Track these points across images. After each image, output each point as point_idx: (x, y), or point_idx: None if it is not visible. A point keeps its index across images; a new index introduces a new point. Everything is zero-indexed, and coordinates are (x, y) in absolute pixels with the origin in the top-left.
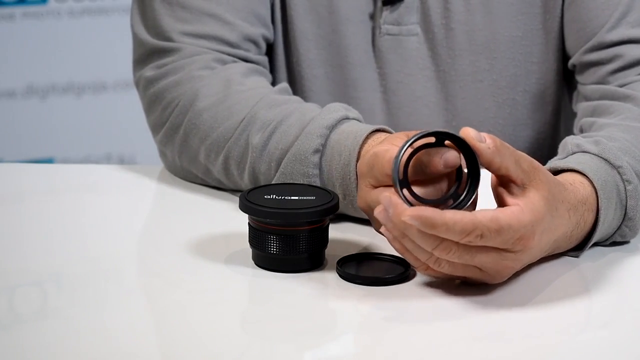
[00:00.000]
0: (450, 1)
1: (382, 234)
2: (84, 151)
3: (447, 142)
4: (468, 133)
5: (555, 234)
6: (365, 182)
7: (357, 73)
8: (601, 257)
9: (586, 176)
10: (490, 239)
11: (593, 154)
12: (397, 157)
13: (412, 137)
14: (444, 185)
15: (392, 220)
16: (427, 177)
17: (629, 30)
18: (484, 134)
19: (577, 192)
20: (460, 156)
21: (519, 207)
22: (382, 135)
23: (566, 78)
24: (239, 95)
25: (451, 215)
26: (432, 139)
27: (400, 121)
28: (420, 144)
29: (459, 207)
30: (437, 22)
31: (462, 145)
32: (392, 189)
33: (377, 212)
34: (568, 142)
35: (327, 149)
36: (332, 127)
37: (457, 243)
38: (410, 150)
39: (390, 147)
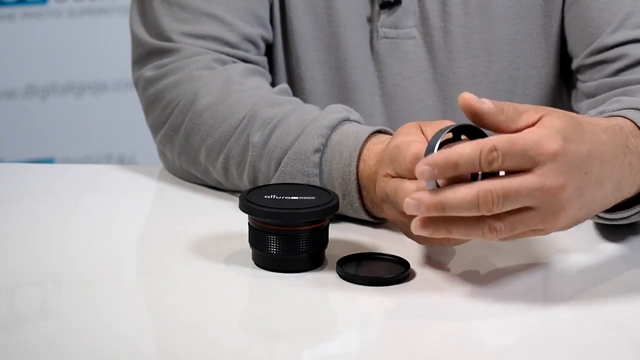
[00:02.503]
0: (448, 4)
1: (414, 238)
2: (84, 151)
3: (463, 136)
4: (467, 96)
5: (590, 146)
6: (384, 172)
7: (355, 76)
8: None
9: (617, 116)
10: (511, 155)
11: (617, 109)
12: (434, 144)
13: (440, 134)
14: (460, 178)
15: (425, 202)
16: None
17: (633, 32)
18: (482, 99)
19: (608, 119)
20: None
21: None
22: (383, 136)
23: (565, 80)
24: (239, 95)
25: (457, 146)
26: (450, 135)
27: (398, 124)
28: (443, 140)
29: None
30: (435, 25)
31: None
32: (410, 181)
33: (407, 207)
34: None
35: (327, 148)
36: (334, 128)
37: (493, 184)
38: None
39: (412, 141)
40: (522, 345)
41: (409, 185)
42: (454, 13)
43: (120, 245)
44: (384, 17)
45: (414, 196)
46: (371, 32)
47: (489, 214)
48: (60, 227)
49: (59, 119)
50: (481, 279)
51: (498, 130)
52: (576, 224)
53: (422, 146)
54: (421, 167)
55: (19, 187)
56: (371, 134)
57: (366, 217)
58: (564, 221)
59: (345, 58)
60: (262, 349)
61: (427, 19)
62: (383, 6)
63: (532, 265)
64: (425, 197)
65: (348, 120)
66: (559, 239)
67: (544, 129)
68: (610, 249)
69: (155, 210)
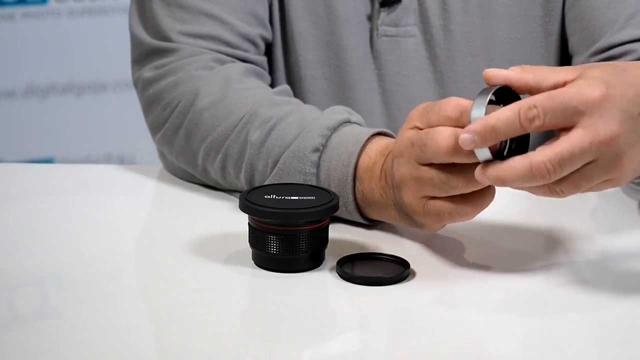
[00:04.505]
0: (448, 3)
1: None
2: (84, 151)
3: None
4: (490, 71)
5: (638, 87)
6: (411, 125)
7: (355, 74)
8: None
9: None
10: (552, 109)
11: None
12: (483, 102)
13: (491, 91)
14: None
15: (480, 178)
16: None
17: (638, 30)
18: (512, 68)
19: None
20: None
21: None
22: (383, 138)
23: None
24: (239, 94)
25: (495, 112)
26: (493, 97)
27: (398, 122)
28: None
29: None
30: (435, 24)
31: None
32: (445, 127)
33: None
34: None
35: (327, 149)
36: (334, 129)
37: (545, 154)
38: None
39: (453, 97)
40: (522, 346)
41: (443, 128)
42: (453, 11)
43: (120, 245)
44: (384, 15)
45: (467, 130)
46: (371, 30)
47: (550, 182)
48: (60, 227)
49: (59, 119)
50: (482, 279)
51: (532, 91)
52: None
53: (465, 101)
54: (462, 135)
55: (19, 187)
56: (371, 136)
57: (360, 219)
58: (629, 168)
59: (344, 57)
60: (262, 349)
61: (427, 17)
62: (383, 4)
63: (533, 265)
64: (480, 171)
65: (349, 122)
66: (560, 238)
67: (584, 79)
68: (614, 246)
69: (155, 210)
